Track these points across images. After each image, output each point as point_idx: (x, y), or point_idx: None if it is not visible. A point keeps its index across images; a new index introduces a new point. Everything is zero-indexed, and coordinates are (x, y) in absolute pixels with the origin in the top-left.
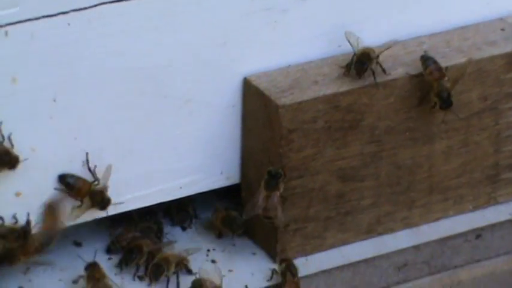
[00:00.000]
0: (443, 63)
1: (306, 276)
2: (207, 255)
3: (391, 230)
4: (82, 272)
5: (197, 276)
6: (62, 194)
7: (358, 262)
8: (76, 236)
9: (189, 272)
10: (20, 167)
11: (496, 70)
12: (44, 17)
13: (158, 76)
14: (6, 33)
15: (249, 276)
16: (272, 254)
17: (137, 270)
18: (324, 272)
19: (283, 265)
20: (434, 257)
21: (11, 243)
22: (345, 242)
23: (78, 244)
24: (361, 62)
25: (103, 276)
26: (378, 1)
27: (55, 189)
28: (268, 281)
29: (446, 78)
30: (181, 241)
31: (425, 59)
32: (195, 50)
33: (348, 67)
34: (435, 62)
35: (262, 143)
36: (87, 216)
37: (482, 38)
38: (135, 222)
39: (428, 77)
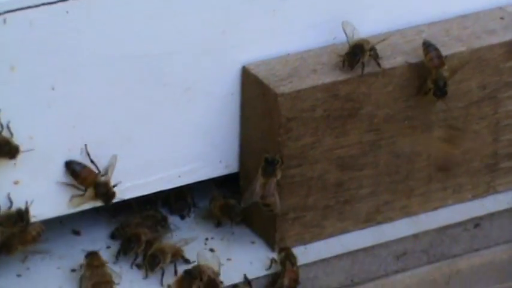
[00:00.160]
0: (443, 52)
1: (305, 265)
2: (206, 244)
3: (390, 219)
4: (81, 260)
5: (195, 263)
6: None
7: (357, 251)
8: (74, 224)
9: (186, 261)
10: (19, 155)
11: (496, 59)
12: (42, 4)
13: (157, 64)
14: (4, 20)
15: (248, 265)
16: (271, 243)
17: (135, 259)
18: (322, 260)
19: (283, 254)
20: (433, 245)
21: (8, 228)
22: (343, 231)
23: (76, 232)
24: (354, 54)
25: (102, 264)
26: None
27: (62, 183)
28: (267, 269)
29: (445, 67)
30: (180, 230)
31: (427, 45)
32: (194, 38)
33: (343, 58)
34: (436, 49)
35: (261, 131)
36: (86, 204)
37: (482, 27)
38: (139, 210)
39: (428, 63)
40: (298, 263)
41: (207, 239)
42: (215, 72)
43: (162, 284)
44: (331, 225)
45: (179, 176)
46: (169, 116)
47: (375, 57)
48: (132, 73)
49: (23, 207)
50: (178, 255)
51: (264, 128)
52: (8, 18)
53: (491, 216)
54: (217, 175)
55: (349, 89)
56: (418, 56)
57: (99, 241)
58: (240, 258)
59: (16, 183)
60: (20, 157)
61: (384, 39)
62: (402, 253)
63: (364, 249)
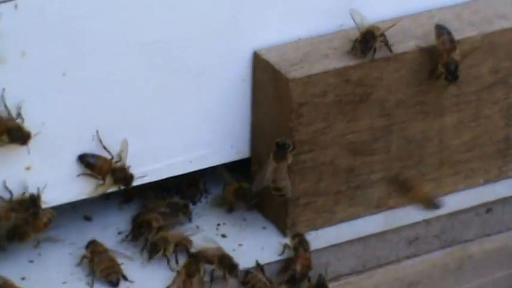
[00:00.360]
0: (454, 36)
1: (316, 250)
2: (217, 230)
3: (402, 204)
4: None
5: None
6: None
7: (369, 236)
8: (86, 210)
9: (188, 253)
10: (30, 141)
11: (507, 43)
12: None
13: (168, 50)
14: (16, 6)
15: (259, 250)
16: (282, 228)
17: (145, 245)
18: (334, 246)
19: (296, 240)
20: (445, 231)
21: (21, 214)
22: (355, 216)
23: (88, 218)
24: (366, 41)
25: (106, 249)
26: None
27: (78, 176)
28: (279, 255)
29: (457, 51)
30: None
31: (440, 28)
32: (205, 23)
33: (353, 45)
34: (449, 33)
35: (272, 116)
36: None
37: (493, 11)
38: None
39: (440, 47)
40: (310, 248)
41: (218, 224)
42: (226, 57)
43: (172, 270)
44: (343, 211)
45: (190, 162)
46: (180, 102)
47: (386, 42)
48: (142, 59)
49: (35, 193)
50: (182, 246)
51: (275, 113)
52: (19, 4)
53: (503, 201)
54: (228, 161)
55: (360, 74)
56: (429, 40)
57: (110, 227)
58: (252, 243)
59: (28, 169)
60: (32, 143)
61: (393, 25)
62: (414, 238)
63: (376, 235)
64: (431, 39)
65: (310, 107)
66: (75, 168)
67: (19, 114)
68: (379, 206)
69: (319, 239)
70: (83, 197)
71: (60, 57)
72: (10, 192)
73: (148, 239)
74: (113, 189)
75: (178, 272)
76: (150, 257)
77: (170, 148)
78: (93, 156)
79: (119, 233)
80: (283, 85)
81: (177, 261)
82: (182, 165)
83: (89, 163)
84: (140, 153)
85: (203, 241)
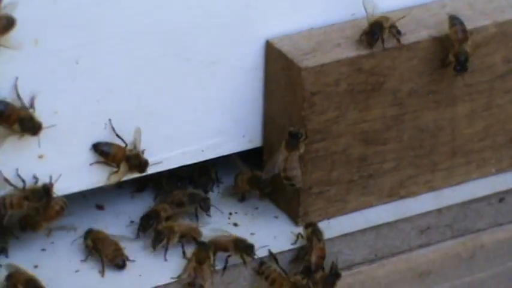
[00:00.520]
0: (467, 26)
1: (329, 240)
2: (229, 219)
3: (414, 194)
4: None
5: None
6: None
7: (381, 225)
8: (98, 199)
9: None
10: (43, 130)
11: None
12: None
13: (181, 38)
14: None
15: (271, 239)
16: (294, 218)
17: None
18: (346, 235)
19: (309, 229)
20: (457, 220)
21: (34, 203)
22: (367, 205)
23: (100, 207)
24: (372, 32)
25: (107, 235)
26: None
27: (91, 164)
28: (292, 244)
29: (469, 42)
30: None
31: (453, 18)
32: (218, 12)
33: (361, 36)
34: (462, 24)
35: (284, 105)
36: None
37: (506, 1)
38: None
39: (452, 37)
40: (324, 238)
41: (230, 213)
42: (239, 46)
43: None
44: (355, 200)
45: (202, 151)
46: (192, 91)
47: (395, 33)
48: (155, 47)
49: (47, 182)
50: (189, 236)
51: (287, 103)
52: None
53: None
54: (240, 150)
55: (373, 63)
56: (442, 30)
57: (122, 216)
58: (264, 232)
59: (40, 157)
60: (44, 132)
61: (403, 16)
62: (426, 228)
63: (388, 224)
64: (444, 29)
65: (322, 96)
66: (87, 156)
67: (31, 104)
68: (391, 195)
69: (331, 228)
70: (95, 185)
71: (73, 45)
72: (23, 180)
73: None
74: (128, 176)
75: (188, 260)
76: (153, 246)
77: (182, 137)
78: (106, 144)
79: (131, 222)
80: (296, 74)
81: (184, 252)
82: (194, 154)
83: (103, 151)
84: (152, 142)
85: (212, 232)
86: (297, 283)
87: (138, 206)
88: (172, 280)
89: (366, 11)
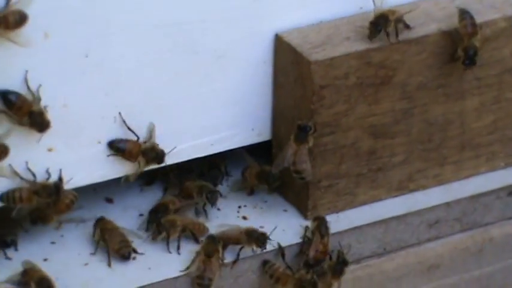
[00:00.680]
0: (476, 19)
1: (337, 233)
2: (238, 212)
3: (423, 187)
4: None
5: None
6: None
7: (390, 219)
8: (107, 192)
9: (196, 240)
10: (53, 123)
11: None
12: None
13: (189, 32)
14: None
15: (280, 232)
16: (303, 211)
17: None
18: (355, 228)
19: (315, 224)
20: (466, 214)
21: (44, 199)
22: (376, 199)
23: (109, 200)
24: (376, 24)
25: (115, 226)
26: None
27: (108, 155)
28: (301, 238)
29: (478, 36)
30: None
31: (463, 12)
32: (226, 5)
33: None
34: (471, 17)
35: (293, 99)
36: (118, 172)
37: None
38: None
39: (462, 30)
40: (331, 231)
41: (239, 207)
42: (248, 39)
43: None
44: (364, 193)
45: (212, 144)
46: (201, 84)
47: (401, 27)
48: (164, 41)
49: (59, 180)
50: (189, 230)
51: (296, 96)
52: None
53: None
54: (249, 143)
55: (382, 56)
56: (451, 23)
57: (131, 209)
58: (273, 226)
59: (50, 150)
60: (54, 125)
61: (410, 10)
62: (435, 221)
63: (397, 217)
64: (453, 22)
65: (331, 89)
66: (96, 150)
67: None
68: (400, 189)
69: (340, 221)
70: (104, 179)
71: (83, 38)
72: (33, 174)
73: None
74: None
75: (197, 253)
76: (153, 237)
77: (191, 130)
78: (121, 140)
79: (140, 215)
80: (305, 67)
81: (178, 247)
82: (203, 147)
83: (119, 148)
84: (161, 135)
85: (218, 228)
86: (301, 279)
87: (147, 200)
88: (182, 273)
89: (374, 4)
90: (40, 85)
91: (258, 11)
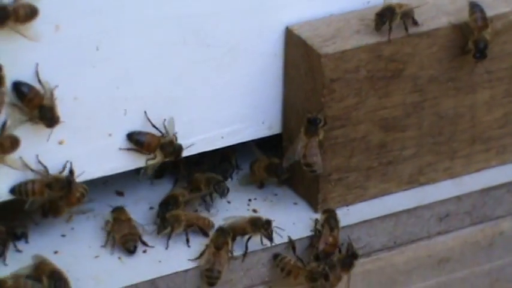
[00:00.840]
0: (487, 12)
1: (348, 226)
2: (248, 205)
3: (433, 181)
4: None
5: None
6: None
7: (400, 212)
8: (118, 185)
9: (205, 234)
10: (64, 116)
11: None
12: None
13: (200, 25)
14: None
15: (290, 225)
16: (313, 204)
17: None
18: (365, 222)
19: (324, 216)
20: (476, 207)
21: (55, 192)
22: (386, 192)
23: (120, 193)
24: (381, 16)
25: (129, 218)
26: None
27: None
28: (311, 231)
29: (488, 29)
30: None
31: (473, 5)
32: None
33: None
34: (482, 11)
35: (304, 92)
36: (129, 165)
37: None
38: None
39: (472, 24)
40: (341, 224)
41: (250, 200)
42: (258, 32)
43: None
44: (374, 187)
45: (222, 137)
46: (212, 77)
47: (408, 20)
48: (175, 34)
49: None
50: (194, 226)
51: (307, 89)
52: None
53: None
54: (260, 136)
55: (393, 49)
56: (462, 17)
57: (142, 202)
58: (283, 219)
59: (60, 143)
60: (65, 118)
61: (419, 5)
62: (445, 215)
63: (407, 211)
64: (464, 16)
65: (342, 82)
66: (107, 142)
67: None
68: (411, 182)
69: (350, 215)
70: (115, 171)
71: (94, 31)
72: (44, 166)
73: None
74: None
75: (207, 246)
76: (158, 232)
77: (202, 123)
78: (140, 133)
79: (150, 208)
80: (316, 61)
81: (187, 240)
82: (214, 140)
83: (138, 140)
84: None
85: (225, 219)
86: (313, 271)
87: (158, 192)
88: (192, 266)
89: None
90: (50, 77)
91: (269, 4)
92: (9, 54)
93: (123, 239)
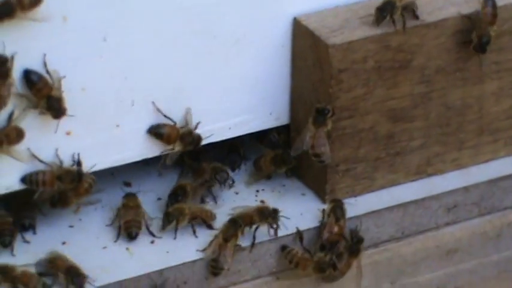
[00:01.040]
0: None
1: (355, 217)
2: (256, 196)
3: (441, 171)
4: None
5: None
6: None
7: (408, 203)
8: (125, 176)
9: (209, 227)
10: (71, 106)
11: None
12: None
13: (208, 16)
14: None
15: (298, 216)
16: (321, 195)
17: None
18: (373, 212)
19: (330, 206)
20: (484, 198)
21: (66, 185)
22: (394, 183)
23: (127, 184)
24: (382, 10)
25: (137, 205)
26: None
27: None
28: (319, 221)
29: (495, 27)
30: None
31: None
32: None
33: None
34: (494, 7)
35: (311, 83)
36: (137, 156)
37: None
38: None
39: (482, 17)
40: (348, 215)
41: (257, 191)
42: (266, 23)
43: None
44: (382, 177)
45: (229, 128)
46: (219, 68)
47: (408, 14)
48: (182, 25)
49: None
50: (198, 218)
51: (315, 80)
52: None
53: None
54: (267, 127)
55: (400, 40)
56: (470, 7)
57: (149, 193)
58: (291, 209)
59: (68, 134)
60: (72, 108)
61: None
62: (453, 205)
63: (415, 202)
64: (472, 6)
65: (350, 73)
66: (115, 133)
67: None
68: (419, 173)
69: (358, 205)
70: (122, 162)
71: (101, 22)
72: (60, 160)
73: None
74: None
75: (215, 236)
76: (163, 228)
77: (209, 114)
78: (159, 126)
79: (158, 199)
80: (323, 51)
81: (194, 231)
82: (221, 131)
83: (158, 133)
84: (179, 119)
85: (232, 210)
86: (320, 261)
87: (165, 183)
88: (199, 257)
89: None
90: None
91: None
92: (17, 45)
93: (127, 224)
